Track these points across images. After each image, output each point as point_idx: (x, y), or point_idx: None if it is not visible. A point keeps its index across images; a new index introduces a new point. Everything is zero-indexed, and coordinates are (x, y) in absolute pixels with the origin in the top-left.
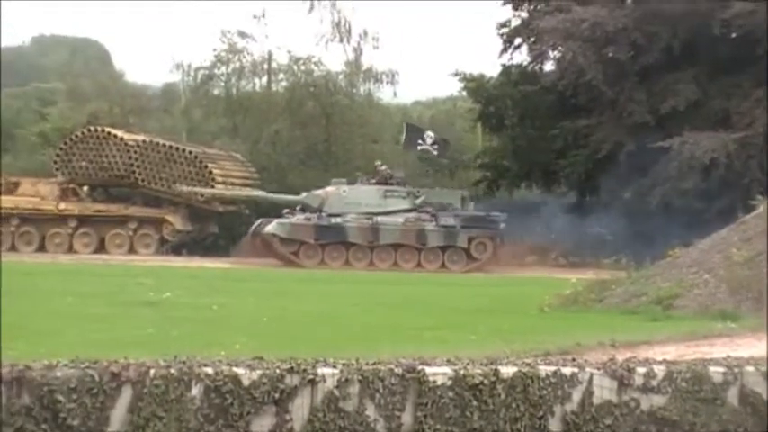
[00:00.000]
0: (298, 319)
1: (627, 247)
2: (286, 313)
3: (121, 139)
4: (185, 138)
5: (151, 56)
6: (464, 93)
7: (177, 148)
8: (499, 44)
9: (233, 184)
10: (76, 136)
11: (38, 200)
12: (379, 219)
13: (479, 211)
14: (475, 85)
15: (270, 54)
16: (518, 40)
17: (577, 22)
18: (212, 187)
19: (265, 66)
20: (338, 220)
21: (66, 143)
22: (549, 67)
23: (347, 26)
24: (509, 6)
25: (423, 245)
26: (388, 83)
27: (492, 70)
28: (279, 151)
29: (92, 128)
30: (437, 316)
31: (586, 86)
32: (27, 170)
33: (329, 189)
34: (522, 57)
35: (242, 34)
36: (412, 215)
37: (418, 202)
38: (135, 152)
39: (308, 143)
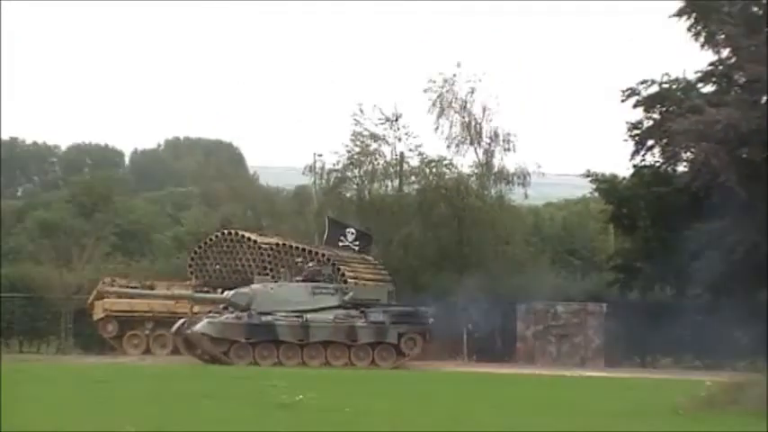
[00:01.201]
0: (434, 421)
1: (762, 349)
2: (421, 416)
3: (255, 242)
4: (318, 240)
5: (284, 158)
6: (596, 194)
7: (310, 251)
8: (631, 145)
9: (365, 286)
10: (210, 239)
11: (172, 303)
12: (309, 316)
13: (408, 306)
14: (607, 186)
15: (402, 156)
16: (650, 142)
17: (711, 124)
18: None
19: (397, 168)
20: (268, 318)
21: (200, 246)
22: (681, 168)
23: (478, 128)
24: (640, 109)
25: (353, 341)
26: (519, 184)
27: (624, 171)
28: (411, 253)
29: (225, 231)
30: (580, 420)
31: (720, 188)
32: (162, 273)
33: (255, 287)
34: (654, 158)
35: (374, 137)
36: (341, 312)
37: (347, 298)
38: (268, 255)
39: (440, 245)
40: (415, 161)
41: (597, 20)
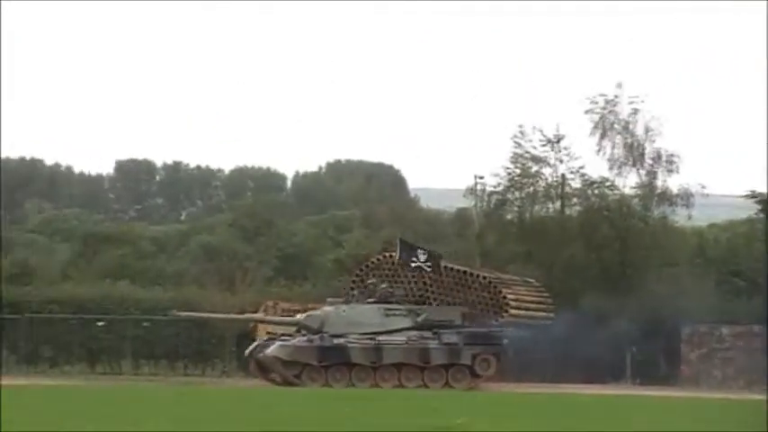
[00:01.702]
0: None
1: None
2: None
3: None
4: (479, 263)
5: (445, 180)
6: (762, 215)
7: (471, 273)
8: None
9: (527, 309)
10: (372, 262)
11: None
12: (381, 338)
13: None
14: None
15: (563, 178)
16: None
17: None
18: (506, 312)
19: (559, 190)
20: (341, 340)
21: (361, 269)
22: None
23: (641, 149)
24: None
25: (426, 363)
26: (682, 205)
27: None
28: (573, 275)
29: (387, 254)
30: None
31: None
32: (323, 296)
33: (327, 309)
34: None
35: (535, 159)
36: (414, 333)
37: (420, 319)
38: (429, 278)
39: (602, 267)
40: (576, 183)
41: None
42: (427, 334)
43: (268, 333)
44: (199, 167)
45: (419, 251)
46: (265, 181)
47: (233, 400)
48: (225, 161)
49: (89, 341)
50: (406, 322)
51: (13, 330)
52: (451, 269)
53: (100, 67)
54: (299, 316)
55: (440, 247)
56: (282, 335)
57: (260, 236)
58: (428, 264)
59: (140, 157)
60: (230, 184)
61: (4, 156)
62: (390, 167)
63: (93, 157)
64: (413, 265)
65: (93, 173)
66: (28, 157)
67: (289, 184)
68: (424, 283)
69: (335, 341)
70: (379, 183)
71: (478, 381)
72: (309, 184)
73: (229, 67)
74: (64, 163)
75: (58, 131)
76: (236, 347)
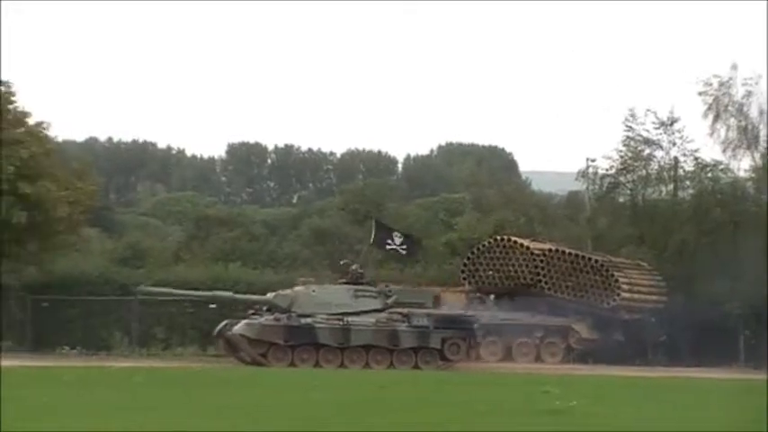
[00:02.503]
0: None
1: None
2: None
3: (527, 248)
4: (591, 246)
5: (556, 164)
6: None
7: (583, 257)
8: None
9: (639, 292)
10: (483, 245)
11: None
12: (350, 319)
13: (453, 311)
14: None
15: (676, 161)
16: None
17: None
18: (618, 296)
19: (671, 173)
20: (308, 320)
21: (473, 252)
22: None
23: (755, 132)
24: None
25: (395, 346)
26: None
27: None
28: (685, 259)
29: (498, 237)
30: None
31: None
32: (435, 279)
33: (298, 289)
34: None
35: (648, 141)
36: (383, 315)
37: (390, 301)
38: (541, 261)
39: (715, 251)
40: (689, 166)
41: None
42: (397, 316)
43: None
44: (310, 151)
45: (395, 234)
46: (376, 164)
47: (342, 382)
48: (336, 144)
49: (201, 323)
50: (376, 303)
51: (126, 312)
52: (563, 253)
53: (211, 51)
54: (269, 295)
55: (552, 231)
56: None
57: (371, 219)
58: (403, 247)
59: (252, 140)
60: (341, 167)
61: (117, 139)
62: (502, 150)
63: (206, 141)
64: (387, 248)
65: (206, 156)
66: (141, 141)
67: (400, 167)
68: (536, 267)
69: (303, 321)
70: (491, 166)
71: (448, 364)
72: (420, 168)
73: (341, 51)
74: (176, 146)
75: (171, 115)
76: None
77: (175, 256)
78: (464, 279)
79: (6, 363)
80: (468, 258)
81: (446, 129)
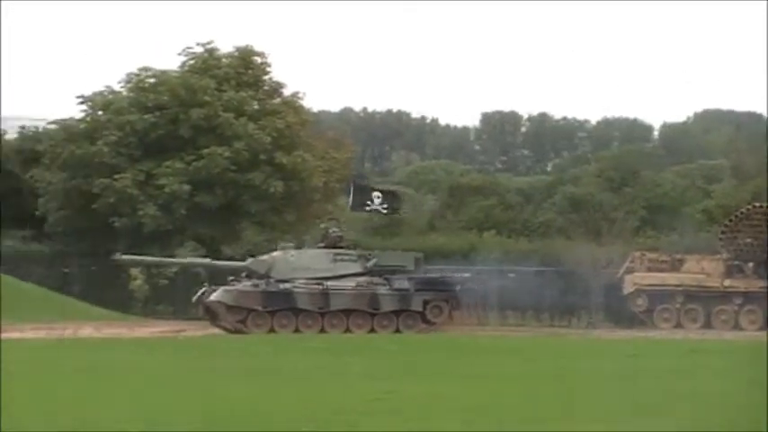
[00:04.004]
0: None
1: None
2: None
3: None
4: None
5: None
6: None
7: None
8: None
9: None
10: (741, 213)
11: (703, 277)
12: (329, 283)
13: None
14: None
15: None
16: None
17: None
18: None
19: None
20: (287, 285)
21: (731, 220)
22: None
23: None
24: None
25: (376, 309)
26: None
27: None
28: None
29: (757, 204)
30: None
31: None
32: (691, 247)
33: (276, 254)
34: None
35: None
36: (363, 279)
37: (370, 264)
38: None
39: None
40: None
41: None
42: (377, 279)
43: (635, 284)
44: (564, 119)
45: (373, 193)
46: (631, 132)
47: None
48: (590, 112)
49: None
50: (356, 267)
51: None
52: None
53: (449, 20)
54: (248, 260)
55: None
56: (650, 285)
57: (626, 186)
58: (384, 206)
59: (506, 108)
60: (596, 134)
61: (371, 109)
62: (760, 117)
63: (460, 110)
64: (367, 209)
65: (459, 125)
66: (395, 110)
67: (655, 134)
68: None
69: (281, 286)
70: (749, 132)
71: (431, 327)
72: (677, 135)
73: (596, 17)
74: (430, 115)
75: (425, 84)
76: (603, 298)
77: (430, 224)
78: (722, 247)
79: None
80: (726, 226)
81: (703, 95)
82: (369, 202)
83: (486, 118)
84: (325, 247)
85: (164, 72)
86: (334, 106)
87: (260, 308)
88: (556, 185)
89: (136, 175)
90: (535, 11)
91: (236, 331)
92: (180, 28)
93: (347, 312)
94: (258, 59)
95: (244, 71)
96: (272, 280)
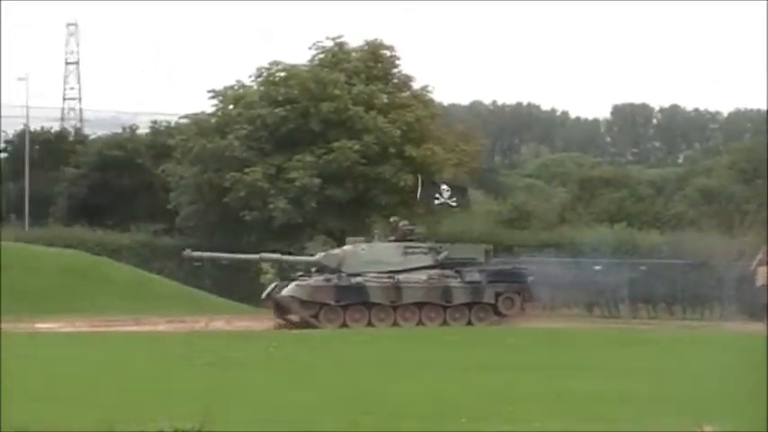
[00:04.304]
0: None
1: None
2: None
3: None
4: None
5: None
6: None
7: None
8: None
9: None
10: None
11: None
12: (401, 277)
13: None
14: None
15: None
16: None
17: None
18: None
19: None
20: (359, 279)
21: None
22: None
23: None
24: None
25: (448, 302)
26: None
27: None
28: None
29: None
30: None
31: None
32: None
33: (347, 248)
34: None
35: None
36: (435, 272)
37: (440, 257)
38: None
39: None
40: None
41: None
42: (449, 272)
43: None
44: (696, 110)
45: (442, 187)
46: (764, 123)
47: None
48: (722, 104)
49: (586, 285)
50: (427, 260)
51: None
52: None
53: (578, 13)
54: (318, 255)
55: None
56: None
57: (758, 178)
58: (453, 199)
59: (637, 101)
60: (728, 126)
61: (501, 102)
62: None
63: (590, 102)
64: (436, 202)
65: (590, 117)
66: (525, 103)
67: None
68: None
69: (353, 280)
70: None
71: (502, 319)
72: None
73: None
74: (560, 108)
75: (555, 77)
76: (736, 290)
77: (560, 217)
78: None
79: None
80: None
81: None
82: (438, 195)
83: (617, 110)
84: (395, 241)
85: (294, 66)
86: (464, 99)
87: (332, 302)
88: (687, 177)
89: (266, 169)
90: (665, 1)
91: (309, 326)
92: (310, 23)
93: (419, 305)
94: (387, 53)
95: (373, 65)
96: (343, 274)
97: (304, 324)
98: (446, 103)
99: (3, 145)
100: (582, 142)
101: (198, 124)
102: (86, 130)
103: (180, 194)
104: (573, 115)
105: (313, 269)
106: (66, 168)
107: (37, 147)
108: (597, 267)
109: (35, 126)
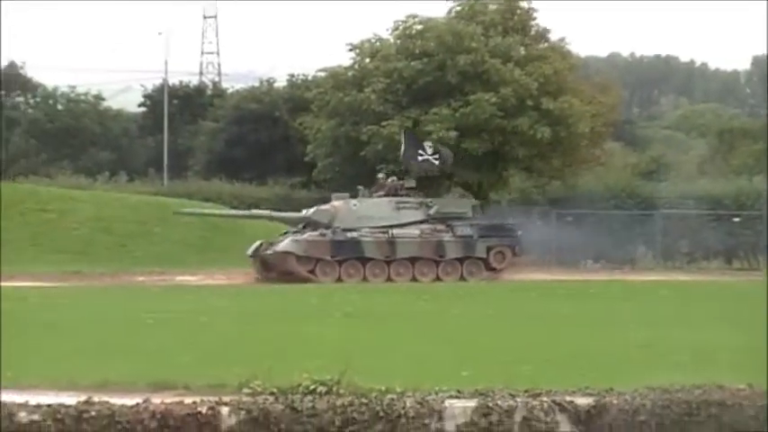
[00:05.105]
0: None
1: None
2: None
3: None
4: None
5: None
6: None
7: None
8: None
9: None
10: None
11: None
12: (395, 231)
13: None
14: None
15: None
16: None
17: None
18: None
19: None
20: (354, 234)
21: None
22: None
23: None
24: None
25: (441, 257)
26: None
27: None
28: None
29: None
30: None
31: None
32: None
33: (337, 203)
34: None
35: None
36: (427, 226)
37: (431, 212)
38: None
39: None
40: None
41: None
42: (441, 227)
43: None
44: None
45: (425, 144)
46: None
47: None
48: None
49: (725, 237)
50: (418, 215)
51: (650, 226)
52: None
53: None
54: (308, 211)
55: None
56: None
57: None
58: (435, 157)
59: None
60: None
61: (639, 54)
62: None
63: (729, 54)
64: (419, 159)
65: (729, 69)
66: (663, 55)
67: None
68: None
69: (349, 235)
70: None
71: (493, 274)
72: None
73: None
74: (699, 60)
75: (694, 28)
76: None
77: (699, 169)
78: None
79: (535, 276)
80: None
81: None
82: (420, 152)
83: (758, 61)
84: (385, 196)
85: (430, 19)
86: (602, 52)
87: (328, 257)
88: None
89: (403, 122)
90: None
91: (305, 280)
92: None
93: (412, 260)
94: (525, 5)
95: (510, 17)
96: (338, 229)
97: (301, 279)
98: (583, 55)
99: (142, 99)
100: (721, 94)
101: (335, 77)
102: (224, 84)
103: (317, 147)
104: (712, 67)
105: (301, 225)
106: (204, 122)
107: (175, 101)
108: (736, 219)
109: (173, 80)
